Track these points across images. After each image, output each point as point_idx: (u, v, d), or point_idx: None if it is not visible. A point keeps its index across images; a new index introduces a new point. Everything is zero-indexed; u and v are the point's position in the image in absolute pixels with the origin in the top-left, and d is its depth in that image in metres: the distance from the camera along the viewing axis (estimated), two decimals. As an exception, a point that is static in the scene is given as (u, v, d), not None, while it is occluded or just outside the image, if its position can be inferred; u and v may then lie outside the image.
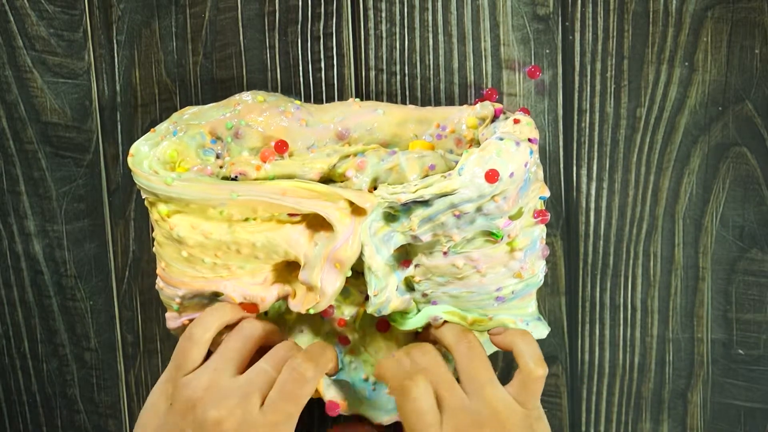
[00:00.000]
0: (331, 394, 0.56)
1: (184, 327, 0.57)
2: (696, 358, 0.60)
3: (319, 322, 0.60)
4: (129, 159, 0.53)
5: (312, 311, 0.54)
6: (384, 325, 0.59)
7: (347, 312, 0.59)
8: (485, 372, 0.51)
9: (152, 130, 0.55)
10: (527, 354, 0.52)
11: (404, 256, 0.55)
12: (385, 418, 0.58)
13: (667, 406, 0.61)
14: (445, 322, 0.56)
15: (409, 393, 0.50)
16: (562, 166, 0.59)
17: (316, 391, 0.56)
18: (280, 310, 0.59)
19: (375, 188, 0.53)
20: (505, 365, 0.61)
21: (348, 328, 0.59)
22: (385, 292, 0.54)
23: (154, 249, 0.55)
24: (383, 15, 0.58)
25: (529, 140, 0.51)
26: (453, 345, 0.53)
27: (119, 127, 0.62)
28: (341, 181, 0.54)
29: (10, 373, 0.66)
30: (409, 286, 0.56)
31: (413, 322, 0.56)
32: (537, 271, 0.55)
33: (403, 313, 0.56)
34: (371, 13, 0.58)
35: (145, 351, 0.64)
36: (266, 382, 0.51)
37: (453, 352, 0.53)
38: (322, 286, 0.53)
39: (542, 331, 0.57)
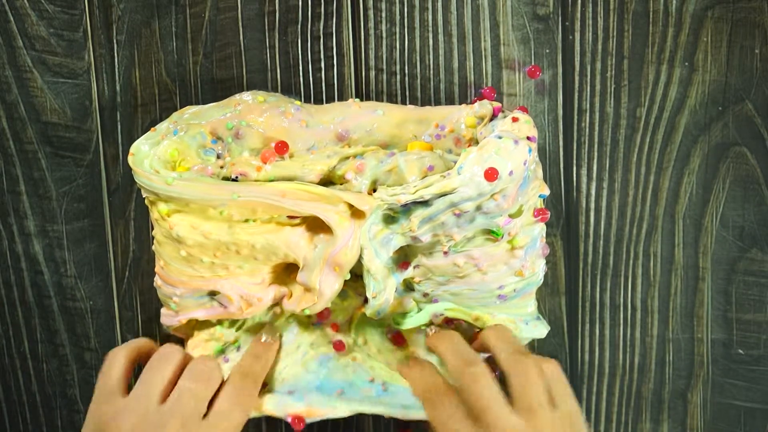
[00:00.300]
0: (270, 408, 0.55)
1: (180, 325, 0.57)
2: (696, 358, 0.60)
3: (307, 329, 0.59)
4: (129, 158, 0.53)
5: (307, 312, 0.54)
6: (399, 339, 0.59)
7: (342, 317, 0.58)
8: (537, 395, 0.48)
9: (152, 129, 0.55)
10: (504, 351, 0.51)
11: (403, 258, 0.55)
12: (399, 413, 0.56)
13: (667, 406, 0.61)
14: (452, 321, 0.56)
15: (438, 411, 0.51)
16: (562, 165, 0.59)
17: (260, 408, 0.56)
18: (261, 321, 0.59)
19: (374, 190, 0.53)
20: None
21: (342, 332, 0.59)
22: (384, 294, 0.54)
23: (153, 247, 0.55)
24: (383, 15, 0.58)
25: (528, 138, 0.51)
26: (507, 368, 0.50)
27: (119, 127, 0.62)
28: (341, 183, 0.54)
29: (10, 373, 0.66)
30: (409, 287, 0.56)
31: (414, 321, 0.56)
32: (537, 269, 0.55)
33: (403, 313, 0.56)
34: (371, 13, 0.58)
35: (145, 351, 0.64)
36: (197, 400, 0.50)
37: (507, 374, 0.50)
38: (320, 288, 0.53)
39: (542, 330, 0.57)
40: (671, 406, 0.61)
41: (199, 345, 0.58)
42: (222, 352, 0.57)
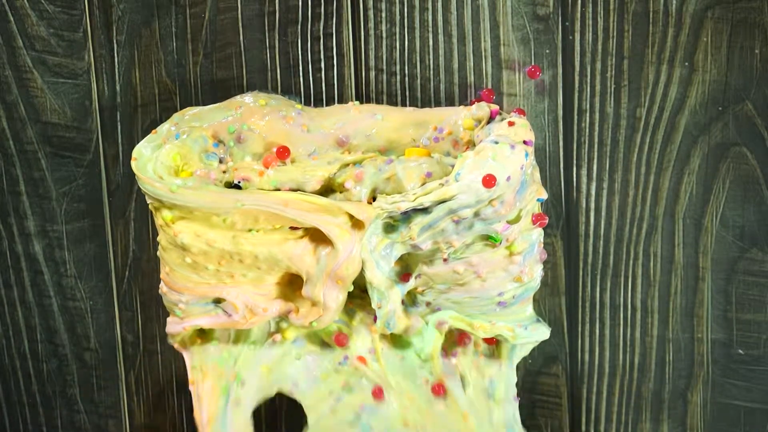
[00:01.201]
0: None
1: (185, 334, 0.57)
2: (696, 358, 0.60)
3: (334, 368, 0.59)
4: (133, 163, 0.53)
5: (315, 324, 0.54)
6: (440, 390, 0.58)
7: (361, 344, 0.58)
8: None
9: (153, 131, 0.55)
10: None
11: (404, 269, 0.55)
12: None
13: (667, 406, 0.61)
14: (466, 338, 0.56)
15: None
16: (562, 166, 0.59)
17: None
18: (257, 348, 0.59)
19: (374, 198, 0.53)
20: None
21: (375, 372, 0.58)
22: (389, 303, 0.54)
23: (158, 253, 0.55)
24: (383, 15, 0.58)
25: (525, 142, 0.51)
26: None
27: (119, 127, 0.62)
28: (341, 192, 0.54)
29: (10, 373, 0.66)
30: (413, 301, 0.56)
31: (429, 339, 0.56)
32: (535, 275, 0.55)
33: (419, 337, 0.56)
34: (371, 13, 0.58)
35: (145, 351, 0.64)
36: None
37: None
38: (324, 301, 0.53)
39: (543, 332, 0.57)
40: (671, 406, 0.61)
41: (208, 393, 0.58)
42: (227, 392, 0.57)
